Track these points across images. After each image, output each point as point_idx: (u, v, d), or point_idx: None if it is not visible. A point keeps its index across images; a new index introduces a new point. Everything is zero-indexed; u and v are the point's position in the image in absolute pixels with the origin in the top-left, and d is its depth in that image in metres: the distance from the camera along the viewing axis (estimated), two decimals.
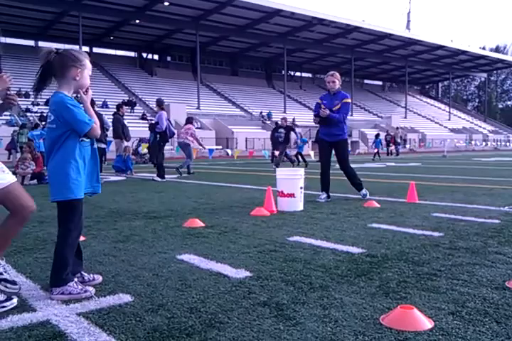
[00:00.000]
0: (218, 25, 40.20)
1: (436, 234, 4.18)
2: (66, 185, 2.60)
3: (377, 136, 26.52)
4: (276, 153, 16.32)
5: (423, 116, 60.40)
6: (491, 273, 2.93)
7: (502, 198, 6.73)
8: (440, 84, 79.80)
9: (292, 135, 17.23)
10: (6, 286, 2.44)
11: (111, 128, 12.02)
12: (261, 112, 43.10)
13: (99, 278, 2.82)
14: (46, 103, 28.76)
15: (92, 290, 2.60)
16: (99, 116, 7.99)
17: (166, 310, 2.32)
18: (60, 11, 35.16)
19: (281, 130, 16.21)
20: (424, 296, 2.50)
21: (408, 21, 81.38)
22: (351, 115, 47.71)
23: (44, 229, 4.47)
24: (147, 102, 38.69)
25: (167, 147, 14.65)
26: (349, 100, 6.72)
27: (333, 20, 41.19)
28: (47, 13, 36.15)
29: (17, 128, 18.77)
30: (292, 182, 5.88)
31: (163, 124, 10.86)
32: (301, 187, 5.88)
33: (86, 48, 41.25)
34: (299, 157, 17.99)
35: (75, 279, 2.65)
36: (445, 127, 58.06)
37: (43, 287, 2.71)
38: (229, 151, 27.88)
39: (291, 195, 5.79)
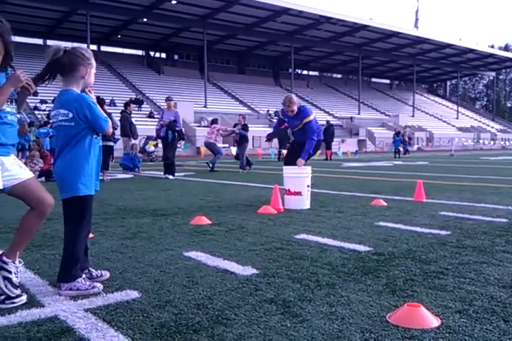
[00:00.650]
0: (226, 23, 40.16)
1: (443, 232, 4.17)
2: (81, 181, 2.63)
3: (397, 133, 25.99)
4: (284, 151, 16.31)
5: (431, 115, 60.03)
6: (498, 271, 2.93)
7: (510, 197, 6.70)
8: (448, 83, 79.28)
9: None
10: (6, 286, 2.44)
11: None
12: (268, 111, 43.00)
13: (106, 275, 2.84)
14: (53, 101, 28.83)
15: (99, 286, 2.62)
16: (109, 115, 8.04)
17: (174, 307, 2.34)
18: (68, 9, 35.26)
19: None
20: (431, 294, 2.50)
21: (416, 19, 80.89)
22: (358, 113, 47.64)
23: (52, 226, 4.50)
24: (154, 100, 38.72)
25: None
26: (311, 117, 6.36)
27: (340, 19, 41.00)
28: (55, 12, 36.28)
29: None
30: (299, 180, 5.88)
31: (181, 122, 11.17)
32: (308, 186, 5.88)
33: (94, 47, 41.37)
34: None
35: (83, 275, 2.67)
36: (453, 126, 57.68)
37: (51, 283, 2.73)
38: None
39: (298, 193, 5.79)
